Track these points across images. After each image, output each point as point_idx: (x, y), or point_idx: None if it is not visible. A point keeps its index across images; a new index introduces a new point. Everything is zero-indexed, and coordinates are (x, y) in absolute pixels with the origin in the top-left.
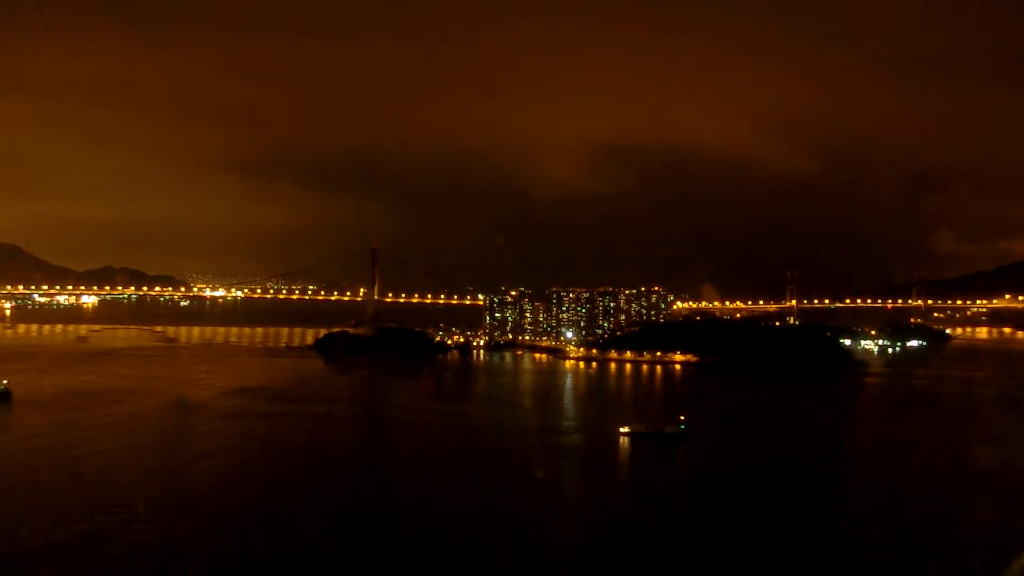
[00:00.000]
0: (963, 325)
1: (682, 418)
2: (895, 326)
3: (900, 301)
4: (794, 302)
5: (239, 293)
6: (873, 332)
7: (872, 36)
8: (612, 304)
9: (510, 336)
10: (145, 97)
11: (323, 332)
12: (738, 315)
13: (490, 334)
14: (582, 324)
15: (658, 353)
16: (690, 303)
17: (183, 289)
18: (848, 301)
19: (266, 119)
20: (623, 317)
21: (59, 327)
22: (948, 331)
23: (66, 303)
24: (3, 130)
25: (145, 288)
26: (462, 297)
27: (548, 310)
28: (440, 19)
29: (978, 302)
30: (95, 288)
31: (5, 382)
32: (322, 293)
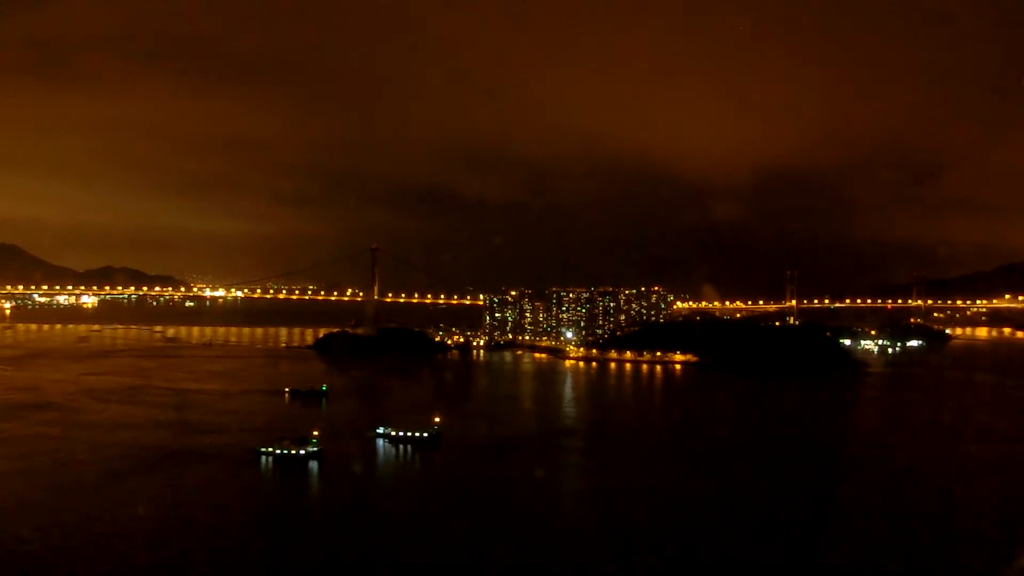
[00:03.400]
0: (963, 325)
1: None
2: (895, 326)
3: (900, 301)
4: (794, 302)
5: (239, 293)
6: (873, 332)
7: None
8: (612, 304)
9: (510, 336)
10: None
11: (323, 332)
12: (738, 315)
13: (490, 334)
14: (582, 324)
15: (658, 353)
16: (690, 303)
17: (183, 289)
18: (848, 301)
19: (268, 126)
20: (623, 317)
21: (59, 326)
22: (948, 331)
23: (66, 303)
24: (5, 131)
25: (145, 288)
26: (462, 297)
27: (548, 310)
28: (441, 28)
29: (978, 302)
30: (95, 288)
31: (437, 420)
32: (322, 293)
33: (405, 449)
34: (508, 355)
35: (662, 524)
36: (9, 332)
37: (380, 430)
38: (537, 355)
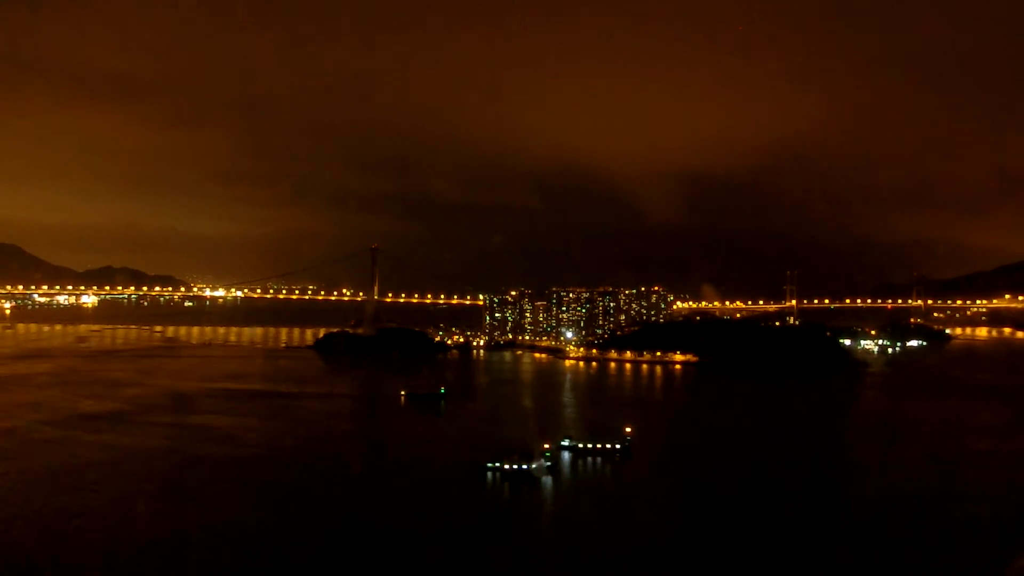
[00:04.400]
0: (963, 325)
1: None
2: (895, 326)
3: (900, 301)
4: (794, 302)
5: (239, 293)
6: (873, 332)
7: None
8: (612, 304)
9: (510, 336)
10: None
11: (323, 332)
12: (738, 315)
13: (490, 334)
14: (582, 324)
15: (658, 353)
16: (690, 303)
17: (183, 289)
18: (848, 301)
19: (268, 126)
20: (623, 317)
21: (59, 326)
22: (948, 331)
23: (66, 303)
24: (6, 130)
25: (145, 288)
26: (462, 297)
27: (548, 310)
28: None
29: (978, 302)
30: (95, 288)
31: (628, 430)
32: (322, 293)
33: (601, 462)
34: (508, 355)
35: None
36: (9, 332)
37: (565, 442)
38: (537, 355)
